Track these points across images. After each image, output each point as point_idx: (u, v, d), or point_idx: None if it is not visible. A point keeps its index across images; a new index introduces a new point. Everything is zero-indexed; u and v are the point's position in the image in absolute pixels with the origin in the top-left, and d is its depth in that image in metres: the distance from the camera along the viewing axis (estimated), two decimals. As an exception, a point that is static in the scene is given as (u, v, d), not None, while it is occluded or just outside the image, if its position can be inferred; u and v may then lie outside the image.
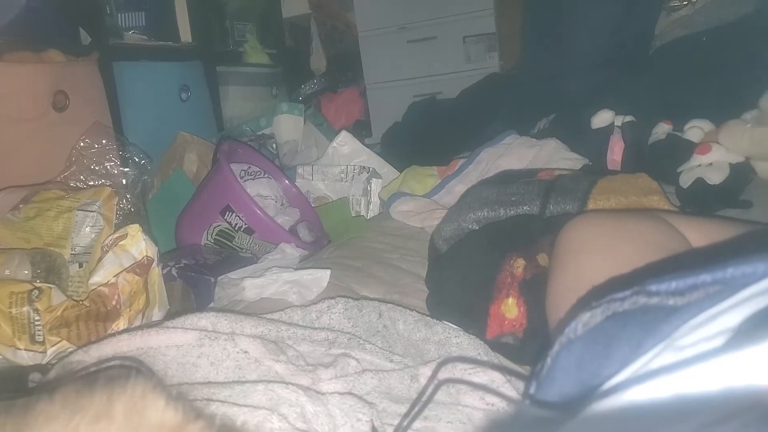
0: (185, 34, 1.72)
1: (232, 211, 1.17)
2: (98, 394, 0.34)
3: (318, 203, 1.62)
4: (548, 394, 0.40)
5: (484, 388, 0.54)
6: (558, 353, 0.43)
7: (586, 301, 0.51)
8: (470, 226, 0.96)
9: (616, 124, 1.33)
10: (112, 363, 0.53)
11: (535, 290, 0.78)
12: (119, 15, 1.54)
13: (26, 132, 1.19)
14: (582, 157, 1.31)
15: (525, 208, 0.94)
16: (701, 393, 0.25)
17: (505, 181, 1.05)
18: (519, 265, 0.82)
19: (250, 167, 1.33)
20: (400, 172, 1.66)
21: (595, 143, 1.33)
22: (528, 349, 0.77)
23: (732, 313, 0.30)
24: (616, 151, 1.29)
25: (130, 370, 0.51)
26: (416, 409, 0.48)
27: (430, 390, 0.49)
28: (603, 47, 1.85)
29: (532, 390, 0.41)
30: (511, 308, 0.80)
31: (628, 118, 1.32)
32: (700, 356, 0.28)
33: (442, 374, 0.55)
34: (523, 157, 1.33)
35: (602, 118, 1.35)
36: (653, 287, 0.39)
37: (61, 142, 1.24)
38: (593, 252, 0.66)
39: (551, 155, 1.32)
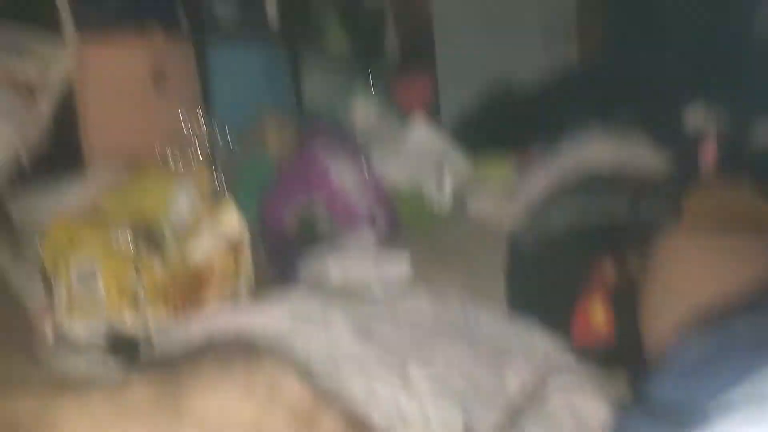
0: (273, 21, 1.77)
1: (316, 192, 1.21)
2: (239, 367, 0.36)
3: (390, 189, 1.64)
4: (658, 412, 0.40)
5: (581, 393, 0.54)
6: (665, 373, 0.43)
7: (695, 323, 0.50)
8: (555, 225, 0.95)
9: (710, 124, 1.28)
10: (228, 339, 0.57)
11: (625, 297, 0.77)
12: (214, 1, 1.60)
13: (129, 107, 1.27)
14: (671, 158, 1.27)
15: (614, 210, 0.92)
16: None
17: (592, 180, 1.03)
18: (609, 269, 0.81)
19: (334, 151, 1.36)
20: (475, 162, 1.65)
21: (686, 144, 1.28)
22: (616, 356, 0.77)
23: None
24: (709, 154, 1.24)
25: (252, 346, 0.55)
26: (518, 413, 0.49)
27: (530, 393, 0.50)
28: (696, 42, 1.76)
29: (640, 408, 0.41)
30: (598, 313, 0.79)
31: (724, 119, 1.26)
32: None
33: (542, 378, 0.56)
34: (608, 154, 1.30)
35: (695, 118, 1.30)
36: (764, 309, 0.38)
37: (159, 119, 1.30)
38: (692, 266, 0.65)
39: (638, 155, 1.28)
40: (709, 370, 0.38)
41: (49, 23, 1.19)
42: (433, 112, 2.54)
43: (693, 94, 1.47)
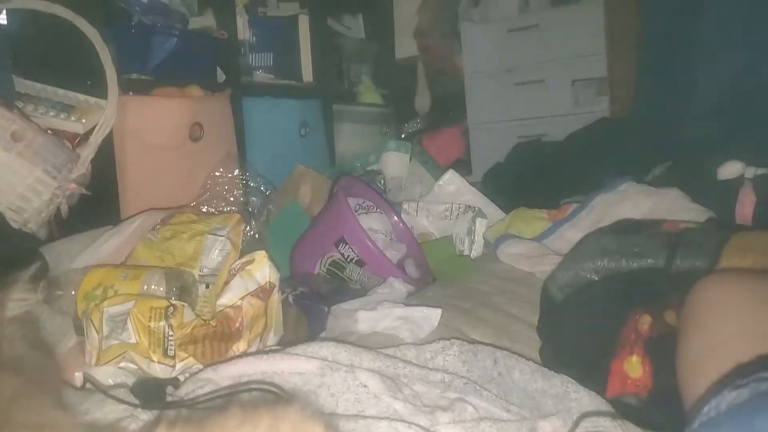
0: (307, 74, 1.84)
1: (346, 243, 1.21)
2: (265, 415, 0.36)
3: (421, 239, 1.64)
4: None
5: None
6: (699, 425, 0.41)
7: (730, 378, 0.48)
8: (589, 276, 0.93)
9: (746, 176, 1.26)
10: (254, 386, 0.56)
11: (662, 350, 0.74)
12: (251, 55, 1.67)
13: (167, 159, 1.31)
14: (706, 209, 1.24)
15: (649, 260, 0.90)
16: None
17: (626, 231, 1.01)
18: (645, 321, 0.78)
19: (364, 201, 1.37)
20: (505, 213, 1.64)
21: (721, 195, 1.26)
22: (653, 413, 0.73)
23: None
24: (746, 205, 1.21)
25: (277, 394, 0.54)
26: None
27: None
28: (729, 92, 1.75)
29: None
30: (635, 367, 0.76)
31: (761, 171, 1.23)
32: None
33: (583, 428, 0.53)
34: (642, 205, 1.28)
35: (731, 169, 1.28)
36: None
37: (195, 170, 1.35)
38: (730, 315, 0.63)
39: (672, 205, 1.26)
40: (743, 423, 0.36)
41: (94, 79, 1.25)
42: (464, 165, 2.56)
43: (729, 144, 1.45)
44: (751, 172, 1.27)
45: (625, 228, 1.05)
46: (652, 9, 2.06)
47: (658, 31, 2.02)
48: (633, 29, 2.17)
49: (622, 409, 0.75)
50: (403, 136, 2.54)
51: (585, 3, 2.25)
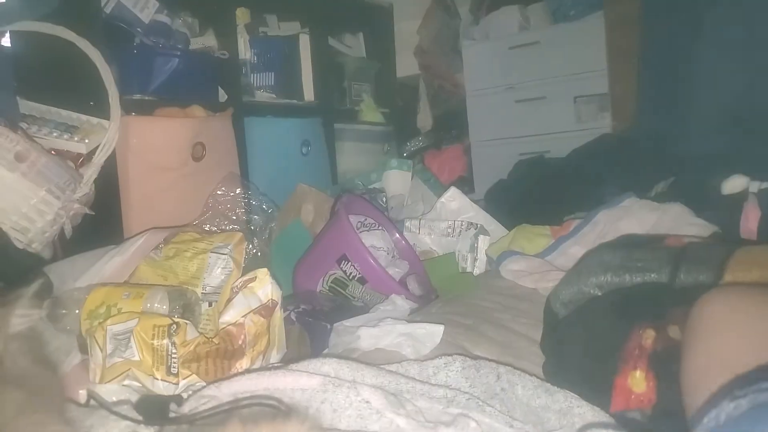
0: (308, 94, 1.86)
1: (348, 260, 1.21)
2: (264, 429, 0.36)
3: (423, 257, 1.63)
4: None
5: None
6: None
7: (729, 389, 0.48)
8: (592, 291, 0.92)
9: (751, 190, 1.25)
10: (254, 401, 0.56)
11: (666, 365, 0.74)
12: (252, 75, 1.69)
13: (169, 179, 1.32)
14: (710, 224, 1.24)
15: (653, 275, 0.89)
16: None
17: (629, 246, 1.01)
18: (649, 336, 0.78)
19: (366, 219, 1.38)
20: (507, 230, 1.64)
21: (726, 210, 1.26)
22: (658, 428, 0.72)
23: None
24: (751, 220, 1.20)
25: (277, 408, 0.54)
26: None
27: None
28: (731, 108, 1.75)
29: None
30: (639, 382, 0.76)
31: (766, 185, 1.23)
32: None
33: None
34: (645, 221, 1.28)
35: (735, 184, 1.28)
36: None
37: (197, 189, 1.35)
38: (734, 329, 0.62)
39: (675, 220, 1.25)
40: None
41: (96, 100, 1.26)
42: (467, 182, 2.57)
43: (733, 159, 1.45)
44: (755, 186, 1.27)
45: (629, 243, 1.05)
46: (652, 25, 2.07)
47: (660, 46, 2.03)
48: (634, 45, 2.18)
49: (626, 425, 0.74)
50: (404, 154, 2.55)
51: (585, 19, 2.27)
